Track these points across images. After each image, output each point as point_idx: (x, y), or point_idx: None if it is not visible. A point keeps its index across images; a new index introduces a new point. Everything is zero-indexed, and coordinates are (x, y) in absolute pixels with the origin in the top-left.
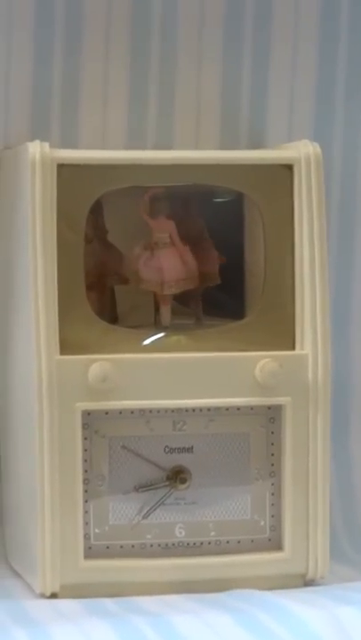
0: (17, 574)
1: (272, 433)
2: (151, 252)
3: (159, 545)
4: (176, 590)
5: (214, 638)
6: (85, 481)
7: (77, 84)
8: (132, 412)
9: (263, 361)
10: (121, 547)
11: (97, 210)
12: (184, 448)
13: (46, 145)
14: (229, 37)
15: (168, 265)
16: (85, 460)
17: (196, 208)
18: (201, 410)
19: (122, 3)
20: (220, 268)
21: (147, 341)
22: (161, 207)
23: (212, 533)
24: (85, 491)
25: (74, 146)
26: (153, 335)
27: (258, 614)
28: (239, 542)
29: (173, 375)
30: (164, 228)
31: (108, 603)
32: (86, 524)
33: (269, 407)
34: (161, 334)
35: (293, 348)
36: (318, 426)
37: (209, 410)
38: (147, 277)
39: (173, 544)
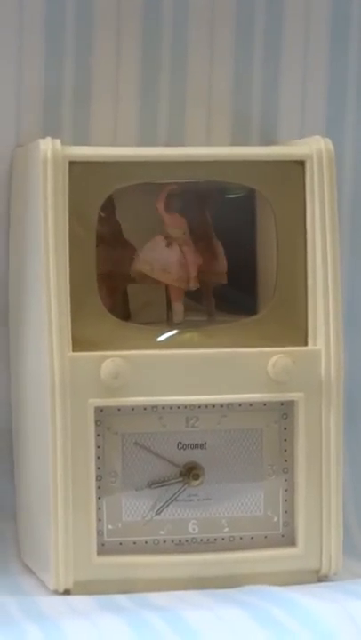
0: (30, 571)
1: (285, 429)
2: (168, 248)
3: (172, 541)
4: (189, 586)
5: (227, 632)
6: (98, 477)
7: (89, 81)
8: (144, 409)
9: (276, 357)
10: (134, 543)
11: (109, 207)
12: (197, 444)
13: (58, 142)
14: (241, 34)
15: (187, 260)
16: (98, 457)
17: (208, 205)
18: (214, 406)
19: (132, 0)
20: (232, 264)
21: (159, 338)
22: (176, 203)
23: (226, 529)
24: (98, 487)
25: (85, 143)
26: (165, 331)
27: (271, 609)
28: (252, 538)
29: (186, 371)
30: (179, 225)
31: (122, 599)
32: (99, 520)
33: (282, 403)
34: (173, 331)
35: (306, 343)
36: (331, 421)
37: (222, 406)
38: (165, 273)
39: (187, 540)
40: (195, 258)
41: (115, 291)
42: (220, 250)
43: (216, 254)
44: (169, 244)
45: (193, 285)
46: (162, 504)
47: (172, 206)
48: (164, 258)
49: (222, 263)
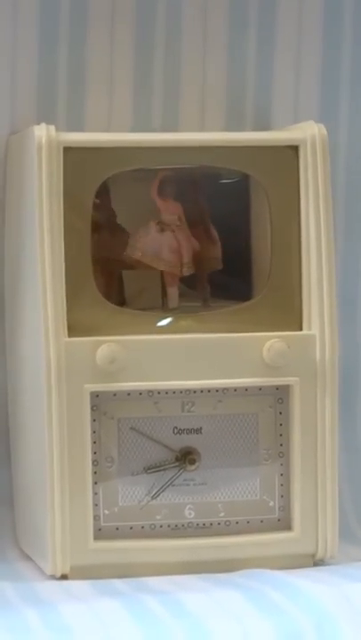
0: (27, 557)
1: (280, 413)
2: (161, 234)
3: (169, 526)
4: (186, 571)
5: (224, 615)
6: (95, 462)
7: (83, 67)
8: (140, 394)
9: (271, 341)
10: (131, 528)
11: (104, 193)
12: (193, 429)
13: (52, 128)
14: (235, 19)
15: (180, 246)
16: (94, 442)
17: (202, 191)
18: (209, 391)
19: None
20: (226, 249)
21: (155, 323)
22: (170, 189)
23: (222, 514)
24: (95, 472)
25: (80, 129)
26: (161, 317)
27: (268, 592)
28: (248, 523)
29: (181, 356)
30: (173, 211)
31: (118, 583)
32: (96, 505)
33: (277, 387)
34: (169, 316)
35: (301, 328)
36: (326, 406)
37: (217, 391)
38: (158, 259)
39: (183, 525)
40: (189, 244)
41: (110, 277)
42: (215, 235)
43: (212, 240)
44: (161, 230)
45: (186, 271)
46: (158, 489)
47: (165, 192)
48: (156, 244)
49: (218, 249)
